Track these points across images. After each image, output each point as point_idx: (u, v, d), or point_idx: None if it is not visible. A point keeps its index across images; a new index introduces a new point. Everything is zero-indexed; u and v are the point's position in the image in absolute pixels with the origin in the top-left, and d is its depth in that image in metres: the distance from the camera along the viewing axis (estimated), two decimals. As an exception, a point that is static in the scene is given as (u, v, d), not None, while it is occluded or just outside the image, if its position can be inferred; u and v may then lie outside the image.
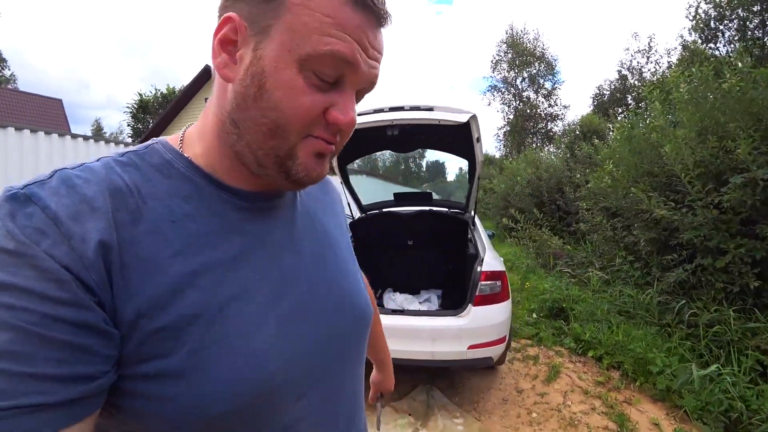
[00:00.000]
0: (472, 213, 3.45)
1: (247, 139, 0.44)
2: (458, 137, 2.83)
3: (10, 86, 25.61)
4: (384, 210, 3.75)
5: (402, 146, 3.32)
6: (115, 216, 0.39)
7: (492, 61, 23.76)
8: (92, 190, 0.39)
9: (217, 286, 0.42)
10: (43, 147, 4.53)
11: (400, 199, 3.79)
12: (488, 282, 2.63)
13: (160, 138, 0.49)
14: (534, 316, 4.31)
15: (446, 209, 3.66)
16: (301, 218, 0.55)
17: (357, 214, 3.75)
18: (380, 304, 3.33)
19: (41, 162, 4.46)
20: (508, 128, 23.38)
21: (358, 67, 0.42)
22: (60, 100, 21.77)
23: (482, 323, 2.57)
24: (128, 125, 27.13)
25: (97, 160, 0.43)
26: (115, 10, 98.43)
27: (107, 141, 5.52)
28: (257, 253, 0.47)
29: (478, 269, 2.65)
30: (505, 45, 23.10)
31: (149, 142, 0.48)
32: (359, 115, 2.73)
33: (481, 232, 3.30)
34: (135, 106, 26.39)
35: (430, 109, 2.67)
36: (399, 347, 2.61)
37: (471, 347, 2.54)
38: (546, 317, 4.22)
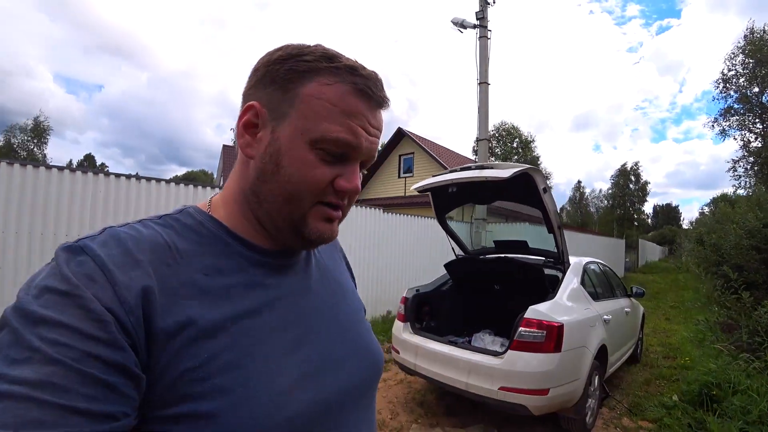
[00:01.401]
0: (566, 262, 3.37)
1: (266, 207, 0.51)
2: (526, 190, 3.02)
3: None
4: (466, 256, 4.05)
5: (483, 199, 3.66)
6: (156, 268, 0.43)
7: (721, 78, 18.42)
8: (137, 244, 0.44)
9: (244, 334, 0.46)
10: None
11: (500, 246, 3.99)
12: (529, 329, 2.68)
13: (191, 204, 0.55)
14: (674, 398, 3.56)
15: (542, 257, 3.66)
16: (315, 272, 0.60)
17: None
18: (469, 342, 3.63)
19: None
20: (752, 159, 17.40)
21: (360, 146, 0.50)
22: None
23: (516, 368, 2.64)
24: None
25: (139, 222, 0.49)
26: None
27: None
28: (278, 304, 0.51)
29: (522, 315, 2.74)
30: (743, 54, 17.61)
31: (181, 207, 0.54)
32: (447, 173, 3.33)
33: (573, 283, 3.22)
34: None
35: (491, 167, 3.02)
36: (437, 370, 2.98)
37: (502, 389, 2.65)
38: (689, 403, 3.43)
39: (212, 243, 0.50)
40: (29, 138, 36.84)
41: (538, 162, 39.04)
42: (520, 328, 2.70)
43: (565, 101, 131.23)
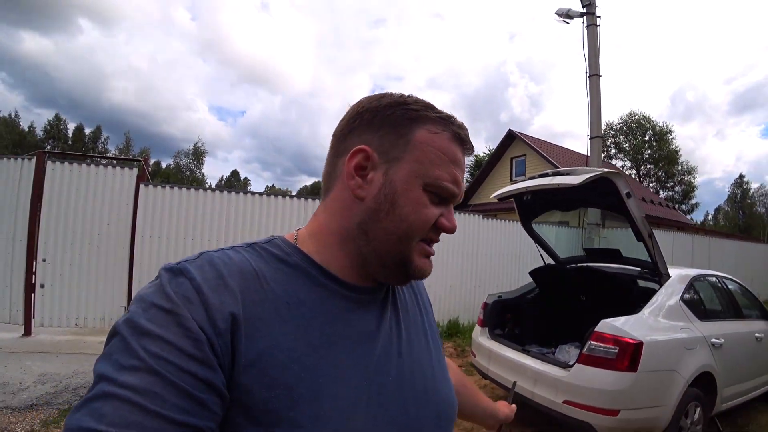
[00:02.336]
0: (663, 274, 3.01)
1: (374, 246, 0.53)
2: (609, 196, 2.83)
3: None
4: (553, 264, 3.81)
5: (565, 206, 3.46)
6: (244, 294, 0.45)
7: None
8: (228, 270, 0.46)
9: (319, 367, 0.46)
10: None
11: (591, 254, 3.70)
12: (600, 344, 2.52)
13: (278, 235, 0.57)
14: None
15: (637, 267, 3.31)
16: (394, 311, 0.60)
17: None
18: (553, 353, 3.50)
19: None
20: None
21: (460, 193, 0.55)
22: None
23: (582, 383, 2.51)
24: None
25: (231, 248, 0.51)
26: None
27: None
28: (355, 339, 0.52)
29: (592, 328, 2.59)
30: None
31: (269, 237, 0.56)
32: (525, 181, 3.31)
33: (669, 297, 2.88)
34: (471, 165, 30.20)
35: (566, 173, 2.90)
36: (506, 376, 2.98)
37: (566, 402, 2.55)
38: None
39: (297, 274, 0.51)
40: (191, 160, 49.60)
41: (678, 155, 33.32)
42: (590, 342, 2.55)
43: (717, 80, 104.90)
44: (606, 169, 2.67)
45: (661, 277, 3.00)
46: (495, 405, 0.91)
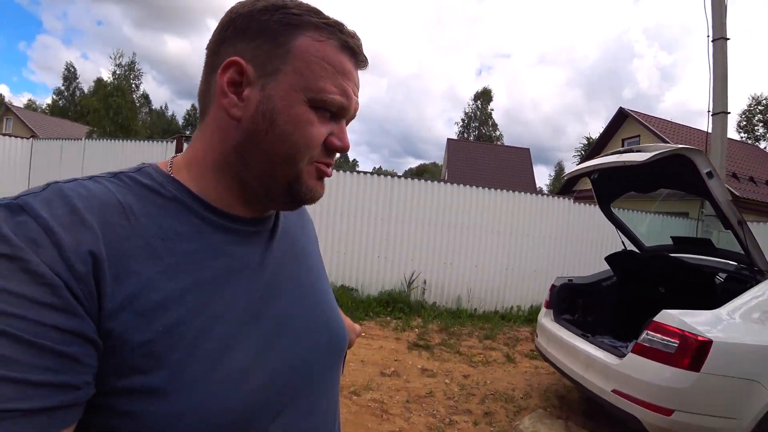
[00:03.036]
0: (761, 269, 2.63)
1: (256, 171, 0.48)
2: (688, 176, 2.57)
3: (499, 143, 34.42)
4: (632, 251, 3.49)
5: (642, 187, 3.14)
6: (106, 230, 0.39)
7: None
8: (83, 203, 0.39)
9: (202, 305, 0.43)
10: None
11: (678, 243, 3.32)
12: (657, 335, 2.37)
13: (151, 162, 0.50)
14: None
15: (734, 261, 2.90)
16: (281, 242, 0.56)
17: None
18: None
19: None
20: None
21: (350, 106, 0.50)
22: (527, 149, 26.99)
23: (633, 373, 2.40)
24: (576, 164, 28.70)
25: (89, 178, 0.44)
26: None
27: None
28: (239, 274, 0.48)
29: (651, 318, 2.42)
30: None
31: (140, 165, 0.49)
32: (599, 157, 3.16)
33: (765, 295, 2.52)
34: (583, 149, 27.56)
35: (638, 150, 2.69)
36: (561, 358, 2.96)
37: (615, 391, 2.47)
38: None
39: (172, 206, 0.46)
40: None
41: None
42: (645, 332, 2.40)
43: None
44: (681, 146, 2.41)
45: (756, 274, 2.61)
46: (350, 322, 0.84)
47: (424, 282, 5.93)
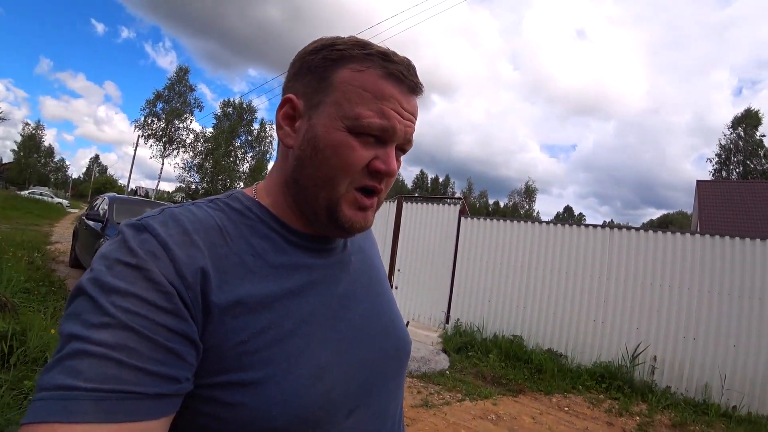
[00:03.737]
0: None
1: (304, 194, 0.53)
2: None
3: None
4: None
5: None
6: (210, 248, 0.46)
7: None
8: (193, 225, 0.47)
9: (289, 310, 0.49)
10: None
11: None
12: None
13: (238, 189, 0.58)
14: None
15: None
16: (354, 257, 0.63)
17: None
18: None
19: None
20: None
21: (394, 128, 0.51)
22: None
23: None
24: None
25: (192, 204, 0.52)
26: None
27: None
28: (319, 284, 0.54)
29: None
30: None
31: (230, 191, 0.57)
32: None
33: None
34: None
35: None
36: None
37: None
38: None
39: (258, 227, 0.52)
40: (523, 198, 59.83)
41: None
42: None
43: None
44: None
45: None
46: None
47: (654, 358, 4.86)
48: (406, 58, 0.53)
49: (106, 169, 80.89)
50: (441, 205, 6.71)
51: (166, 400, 0.39)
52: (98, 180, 64.27)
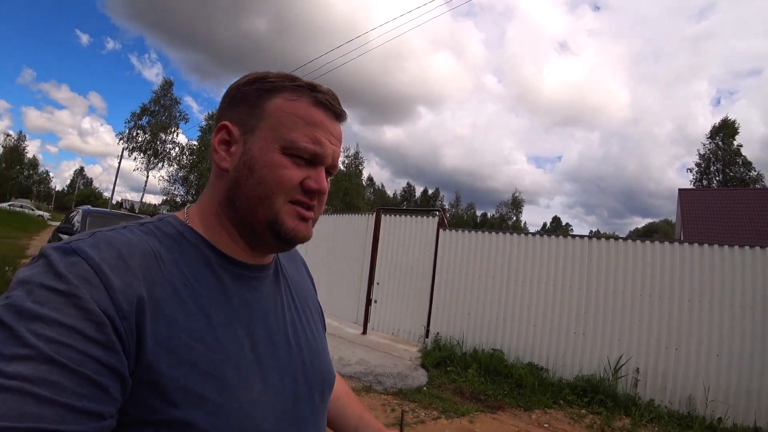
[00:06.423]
0: None
1: (241, 212, 0.54)
2: None
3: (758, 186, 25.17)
4: None
5: None
6: (146, 275, 0.45)
7: None
8: (127, 249, 0.45)
9: (220, 344, 0.48)
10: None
11: None
12: None
13: (169, 213, 0.58)
14: None
15: None
16: (282, 288, 0.64)
17: None
18: None
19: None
20: None
21: (325, 152, 0.55)
22: None
23: None
24: None
25: (124, 227, 0.50)
26: None
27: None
28: (249, 316, 0.54)
29: None
30: None
31: (161, 215, 0.56)
32: None
33: None
34: None
35: None
36: None
37: None
38: None
39: (191, 253, 0.52)
40: (510, 209, 60.28)
41: None
42: None
43: None
44: None
45: None
46: (380, 426, 0.82)
47: (637, 371, 4.74)
48: (331, 89, 0.58)
49: (91, 182, 79.90)
50: (420, 217, 6.58)
51: None
52: (82, 192, 63.32)
